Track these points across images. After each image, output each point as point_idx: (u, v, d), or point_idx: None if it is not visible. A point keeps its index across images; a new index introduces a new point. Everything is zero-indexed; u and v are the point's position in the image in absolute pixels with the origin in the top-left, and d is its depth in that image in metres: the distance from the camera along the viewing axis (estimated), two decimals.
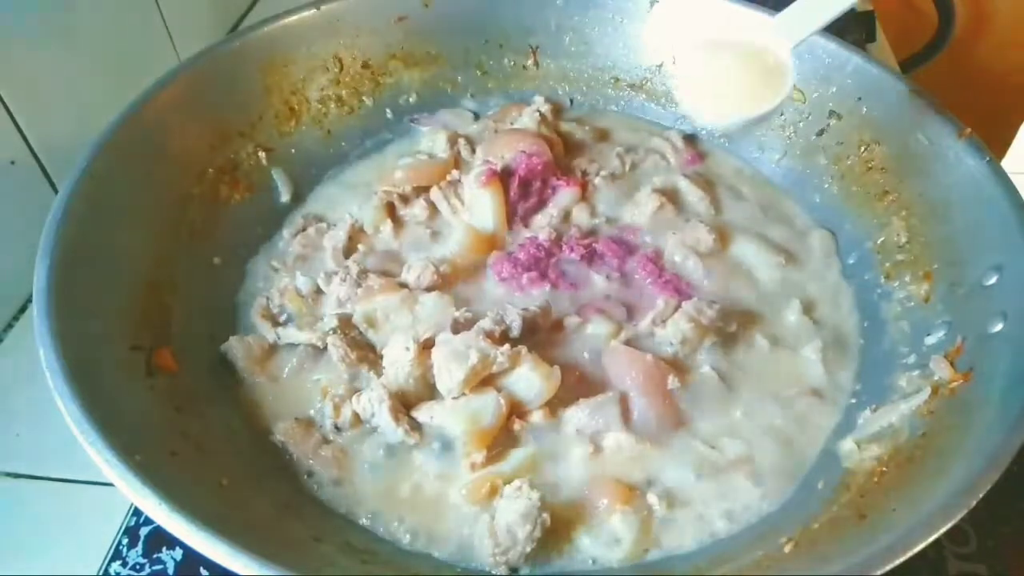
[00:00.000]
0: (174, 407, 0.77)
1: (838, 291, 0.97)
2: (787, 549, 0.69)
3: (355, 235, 1.00)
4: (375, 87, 1.16)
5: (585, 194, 1.05)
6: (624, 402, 0.81)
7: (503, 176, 1.00)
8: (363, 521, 0.76)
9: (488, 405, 0.78)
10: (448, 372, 0.78)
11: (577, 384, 0.83)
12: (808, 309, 0.93)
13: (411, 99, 1.18)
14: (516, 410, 0.81)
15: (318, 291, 0.94)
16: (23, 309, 1.02)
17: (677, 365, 0.86)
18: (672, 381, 0.82)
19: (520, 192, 1.01)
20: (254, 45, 1.05)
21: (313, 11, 1.08)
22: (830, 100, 1.05)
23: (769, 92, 0.84)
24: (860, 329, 0.93)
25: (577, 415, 0.80)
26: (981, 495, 0.61)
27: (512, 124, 1.13)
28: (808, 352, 0.89)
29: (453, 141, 1.12)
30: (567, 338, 0.89)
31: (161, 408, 0.75)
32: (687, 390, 0.84)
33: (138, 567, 0.79)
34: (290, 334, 0.88)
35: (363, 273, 0.93)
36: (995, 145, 0.99)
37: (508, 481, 0.75)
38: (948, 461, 0.68)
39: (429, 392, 0.81)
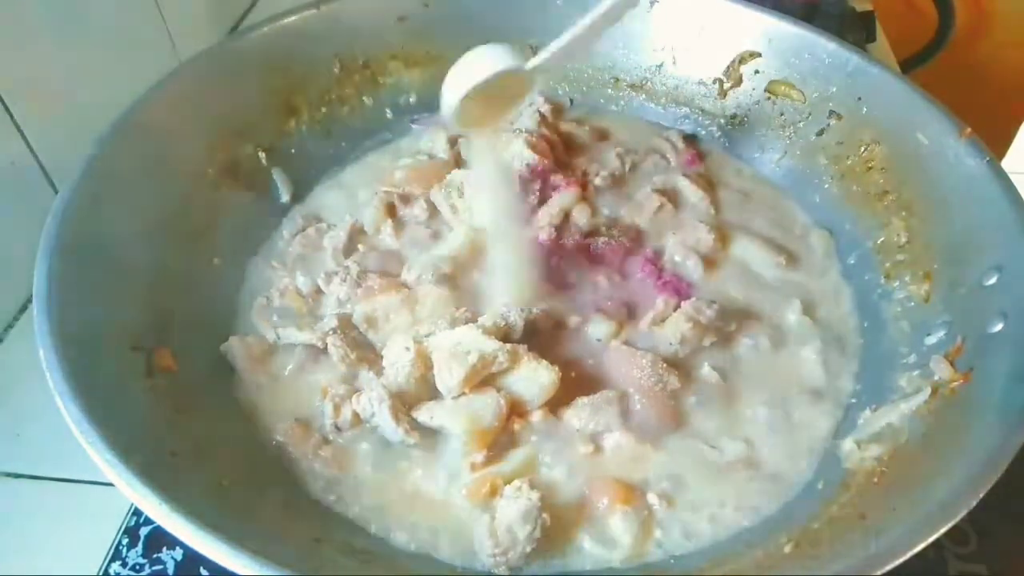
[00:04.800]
0: (174, 407, 0.77)
1: (838, 291, 0.97)
2: (787, 549, 0.69)
3: (355, 235, 1.00)
4: (375, 87, 1.16)
5: (585, 194, 1.05)
6: (624, 402, 0.81)
7: None
8: (363, 521, 0.76)
9: (488, 405, 0.78)
10: (448, 371, 0.78)
11: (577, 384, 0.83)
12: (808, 309, 0.93)
13: (411, 99, 1.18)
14: (516, 410, 0.80)
15: (318, 291, 0.94)
16: (23, 309, 1.01)
17: (677, 365, 0.86)
18: (672, 381, 0.82)
19: (520, 192, 1.01)
20: (254, 45, 1.05)
21: (313, 11, 1.08)
22: (830, 100, 1.05)
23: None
24: (860, 329, 0.93)
25: (577, 415, 0.80)
26: (981, 495, 0.61)
27: (512, 124, 1.13)
28: (808, 352, 0.89)
29: (453, 141, 1.12)
30: (567, 338, 0.89)
31: (161, 408, 0.75)
32: (687, 390, 0.84)
33: (138, 567, 0.79)
34: (290, 334, 0.88)
35: (363, 273, 0.93)
36: (995, 145, 0.99)
37: (508, 481, 0.75)
38: (948, 461, 0.68)
39: (429, 392, 0.81)
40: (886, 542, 0.60)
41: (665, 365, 0.83)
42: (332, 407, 0.81)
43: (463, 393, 0.79)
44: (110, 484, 0.61)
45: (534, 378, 0.80)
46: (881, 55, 1.47)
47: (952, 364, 0.78)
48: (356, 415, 0.80)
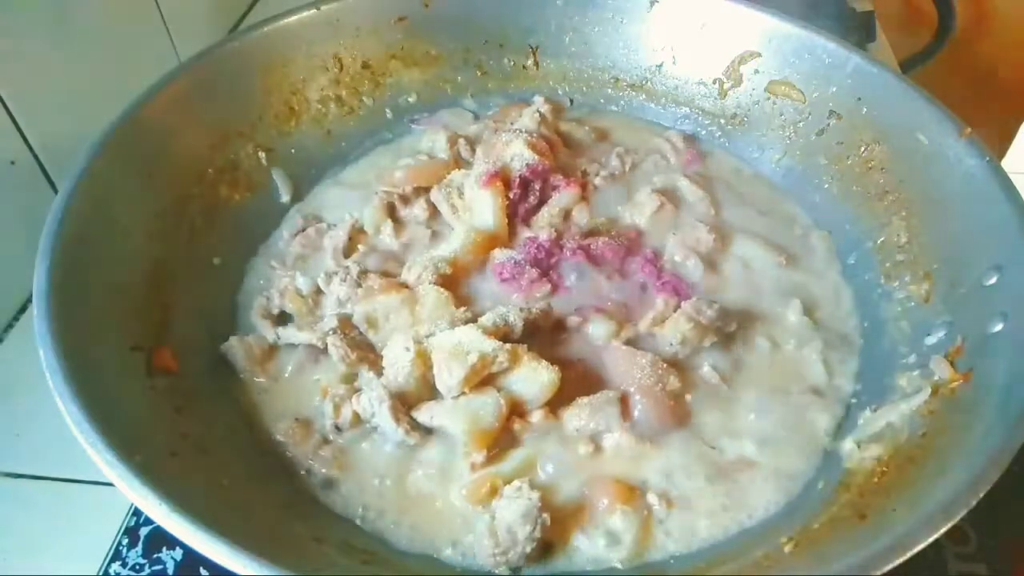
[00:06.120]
0: (174, 407, 0.77)
1: (838, 291, 0.97)
2: (787, 549, 0.69)
3: (355, 235, 1.00)
4: (375, 87, 1.16)
5: (585, 194, 1.05)
6: (624, 402, 0.81)
7: (504, 176, 1.00)
8: (363, 521, 0.76)
9: (488, 405, 0.78)
10: (448, 371, 0.78)
11: (577, 384, 0.83)
12: (808, 309, 0.93)
13: (411, 99, 1.18)
14: (516, 410, 0.80)
15: (318, 291, 0.94)
16: (23, 309, 1.02)
17: (677, 365, 0.86)
18: (672, 381, 0.82)
19: (520, 192, 1.01)
20: (254, 45, 1.05)
21: (313, 11, 1.08)
22: (830, 100, 1.05)
23: None
24: (860, 329, 0.93)
25: (577, 415, 0.80)
26: (981, 495, 0.61)
27: (512, 124, 1.13)
28: (808, 352, 0.89)
29: (453, 141, 1.12)
30: (567, 338, 0.89)
31: (161, 408, 0.75)
32: (687, 390, 0.84)
33: (138, 567, 0.79)
34: (290, 334, 0.88)
35: (363, 273, 0.93)
36: (995, 145, 0.99)
37: (508, 481, 0.75)
38: (948, 461, 0.68)
39: (429, 392, 0.81)
40: (886, 542, 0.60)
41: (665, 365, 0.83)
42: (332, 407, 0.81)
43: (463, 393, 0.79)
44: (110, 484, 0.61)
45: (534, 378, 0.80)
46: (881, 55, 1.47)
47: (952, 364, 0.78)
48: (356, 415, 0.80)
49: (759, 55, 1.10)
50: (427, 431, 0.79)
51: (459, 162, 1.10)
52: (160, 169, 0.92)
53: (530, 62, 1.21)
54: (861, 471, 0.76)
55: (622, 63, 1.19)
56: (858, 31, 1.44)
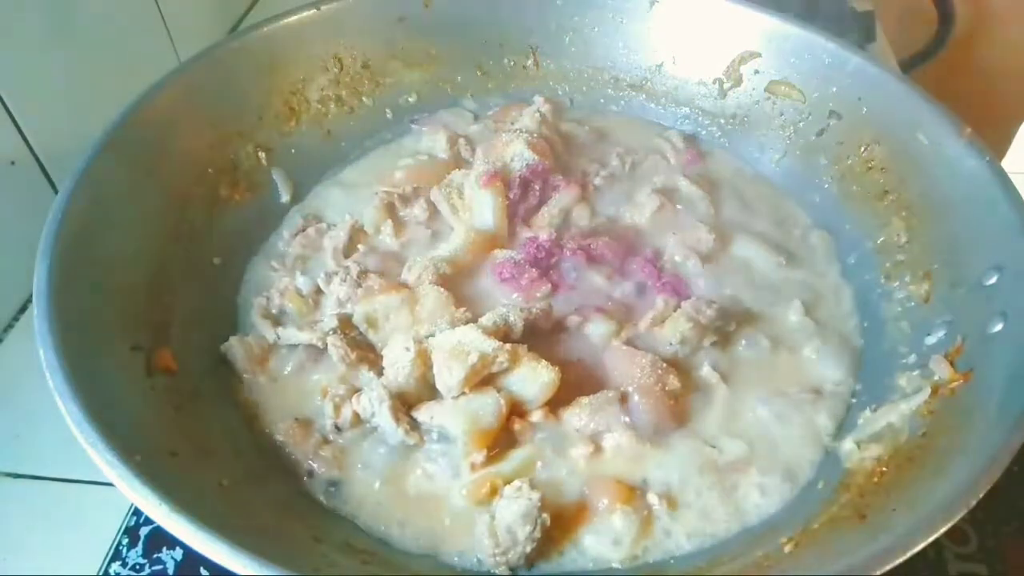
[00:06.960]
0: (174, 407, 0.77)
1: (838, 291, 0.97)
2: (787, 549, 0.69)
3: (355, 235, 1.00)
4: (375, 87, 1.16)
5: (585, 194, 1.05)
6: (624, 402, 0.81)
7: (504, 176, 1.00)
8: (363, 521, 0.76)
9: (488, 405, 0.78)
10: (448, 371, 0.78)
11: (577, 384, 0.83)
12: (808, 309, 0.93)
13: (411, 99, 1.18)
14: (516, 410, 0.80)
15: (318, 291, 0.94)
16: (23, 309, 1.02)
17: (677, 365, 0.86)
18: (672, 381, 0.82)
19: (520, 192, 1.01)
20: (254, 45, 1.05)
21: (313, 11, 1.08)
22: (830, 100, 1.05)
23: None
24: (860, 329, 0.93)
25: (577, 415, 0.80)
26: (981, 495, 0.61)
27: (512, 124, 1.13)
28: (808, 352, 0.89)
29: (453, 141, 1.12)
30: (567, 338, 0.89)
31: (161, 408, 0.75)
32: (687, 390, 0.84)
33: (138, 567, 0.79)
34: (290, 334, 0.88)
35: (363, 273, 0.93)
36: (995, 145, 0.99)
37: (508, 481, 0.75)
38: (948, 461, 0.68)
39: (429, 392, 0.81)
40: (886, 542, 0.60)
41: (665, 365, 0.83)
42: (332, 407, 0.81)
43: (463, 393, 0.79)
44: (110, 484, 0.61)
45: (534, 378, 0.80)
46: (881, 55, 1.47)
47: (952, 364, 0.78)
48: (356, 415, 0.80)
49: (759, 55, 1.10)
50: (427, 431, 0.79)
51: (459, 162, 1.10)
52: (160, 169, 0.92)
53: (530, 62, 1.21)
54: (861, 471, 0.76)
55: (622, 63, 1.19)
56: (858, 31, 1.43)
